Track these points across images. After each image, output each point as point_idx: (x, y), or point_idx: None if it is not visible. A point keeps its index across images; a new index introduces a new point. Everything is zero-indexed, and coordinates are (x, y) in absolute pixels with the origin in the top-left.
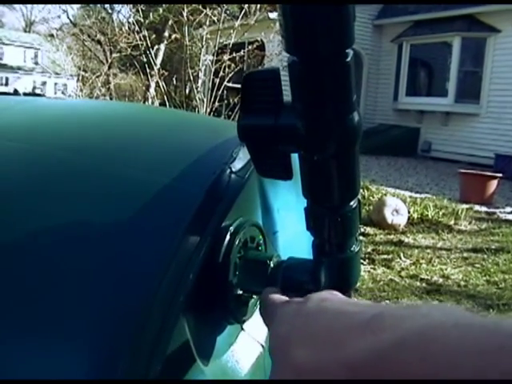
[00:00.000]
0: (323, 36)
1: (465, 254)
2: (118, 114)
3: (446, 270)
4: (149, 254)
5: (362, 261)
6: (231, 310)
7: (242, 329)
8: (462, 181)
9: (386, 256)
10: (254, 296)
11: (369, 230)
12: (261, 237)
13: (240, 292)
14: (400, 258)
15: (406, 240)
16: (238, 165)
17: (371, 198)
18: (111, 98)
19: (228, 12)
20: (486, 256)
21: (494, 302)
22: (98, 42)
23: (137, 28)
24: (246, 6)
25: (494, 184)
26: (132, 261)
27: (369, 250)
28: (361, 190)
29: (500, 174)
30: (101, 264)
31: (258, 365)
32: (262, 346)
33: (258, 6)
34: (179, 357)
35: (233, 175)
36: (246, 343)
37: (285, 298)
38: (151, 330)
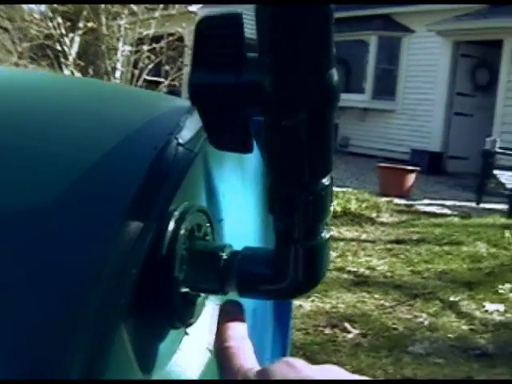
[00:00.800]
0: None
1: (388, 246)
2: (24, 83)
3: (371, 261)
4: (80, 247)
5: None
6: (177, 312)
7: (186, 333)
8: (381, 175)
9: None
10: (202, 294)
11: None
12: (208, 224)
13: (187, 290)
14: None
15: (331, 233)
16: (186, 135)
17: None
18: None
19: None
20: (408, 247)
21: (420, 291)
22: (5, 29)
23: (50, 14)
24: None
25: (411, 177)
26: (58, 257)
27: None
28: None
29: (417, 168)
30: (18, 261)
31: (208, 371)
32: (210, 351)
33: None
34: (117, 371)
35: (180, 148)
36: (192, 349)
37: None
38: (83, 345)
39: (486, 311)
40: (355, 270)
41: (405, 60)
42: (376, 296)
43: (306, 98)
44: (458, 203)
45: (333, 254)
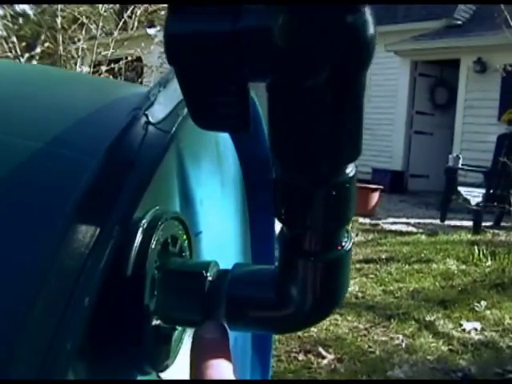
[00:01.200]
0: None
1: (357, 265)
2: None
3: None
4: (6, 265)
5: None
6: (147, 352)
7: (158, 377)
8: None
9: None
10: (178, 327)
11: None
12: (185, 237)
13: (159, 322)
14: None
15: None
16: (158, 113)
17: None
18: None
19: (105, 29)
20: (378, 266)
21: (394, 311)
22: None
23: (4, 33)
24: (122, 22)
25: (375, 196)
26: None
27: None
28: None
29: (381, 187)
30: None
31: None
32: None
33: (136, 22)
34: None
35: (151, 128)
36: None
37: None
38: None
39: (464, 330)
40: None
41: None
42: (349, 318)
43: (331, 50)
44: (422, 221)
45: None
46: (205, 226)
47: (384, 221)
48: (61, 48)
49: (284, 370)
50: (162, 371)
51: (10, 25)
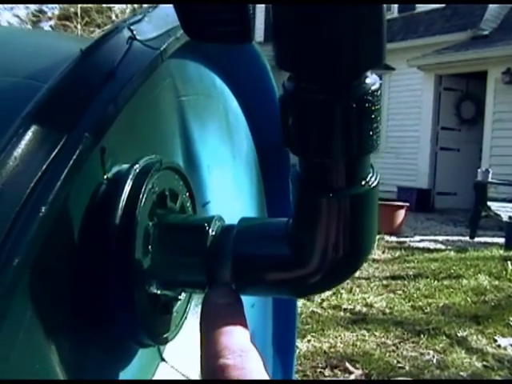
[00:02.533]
0: None
1: (384, 282)
2: None
3: (368, 298)
4: None
5: None
6: (140, 320)
7: (162, 359)
8: None
9: None
10: (181, 296)
11: None
12: (186, 191)
13: (156, 289)
14: None
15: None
16: (146, 31)
17: None
18: None
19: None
20: (406, 282)
21: (423, 327)
22: None
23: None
24: None
25: (401, 214)
26: None
27: None
28: None
29: (407, 204)
30: None
31: None
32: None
33: None
34: None
35: (136, 44)
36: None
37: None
38: None
39: (499, 346)
40: (351, 307)
41: (386, 97)
42: (376, 334)
43: None
44: (450, 238)
45: (326, 292)
46: (213, 197)
47: (411, 239)
48: None
49: None
50: (161, 344)
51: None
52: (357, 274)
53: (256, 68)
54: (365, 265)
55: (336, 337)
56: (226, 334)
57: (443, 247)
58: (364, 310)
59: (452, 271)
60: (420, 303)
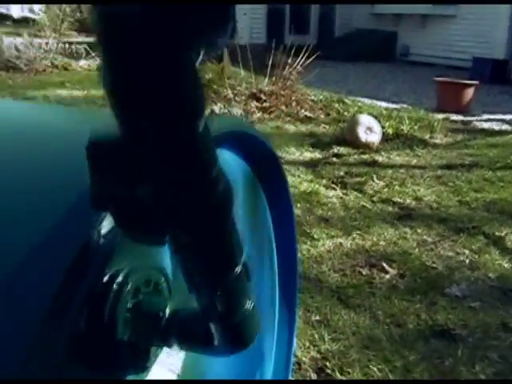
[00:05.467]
0: None
1: (438, 172)
2: None
3: (418, 191)
4: None
5: (334, 186)
6: (128, 366)
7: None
8: (438, 89)
9: (358, 179)
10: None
11: (342, 150)
12: (162, 278)
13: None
14: (373, 181)
15: (380, 159)
16: None
17: (346, 113)
18: None
19: None
20: (459, 173)
21: (465, 224)
22: None
23: None
24: None
25: (470, 92)
26: None
27: (341, 173)
28: (335, 105)
29: (476, 82)
30: None
31: None
32: (178, 376)
33: None
34: None
35: None
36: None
37: None
38: None
39: None
40: (401, 201)
41: None
42: (419, 231)
43: None
44: None
45: (380, 184)
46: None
47: (478, 118)
48: None
49: (346, 285)
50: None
51: None
52: (413, 161)
53: None
54: (423, 151)
55: (380, 234)
56: None
57: (509, 128)
58: (413, 204)
59: (509, 161)
60: (468, 198)
